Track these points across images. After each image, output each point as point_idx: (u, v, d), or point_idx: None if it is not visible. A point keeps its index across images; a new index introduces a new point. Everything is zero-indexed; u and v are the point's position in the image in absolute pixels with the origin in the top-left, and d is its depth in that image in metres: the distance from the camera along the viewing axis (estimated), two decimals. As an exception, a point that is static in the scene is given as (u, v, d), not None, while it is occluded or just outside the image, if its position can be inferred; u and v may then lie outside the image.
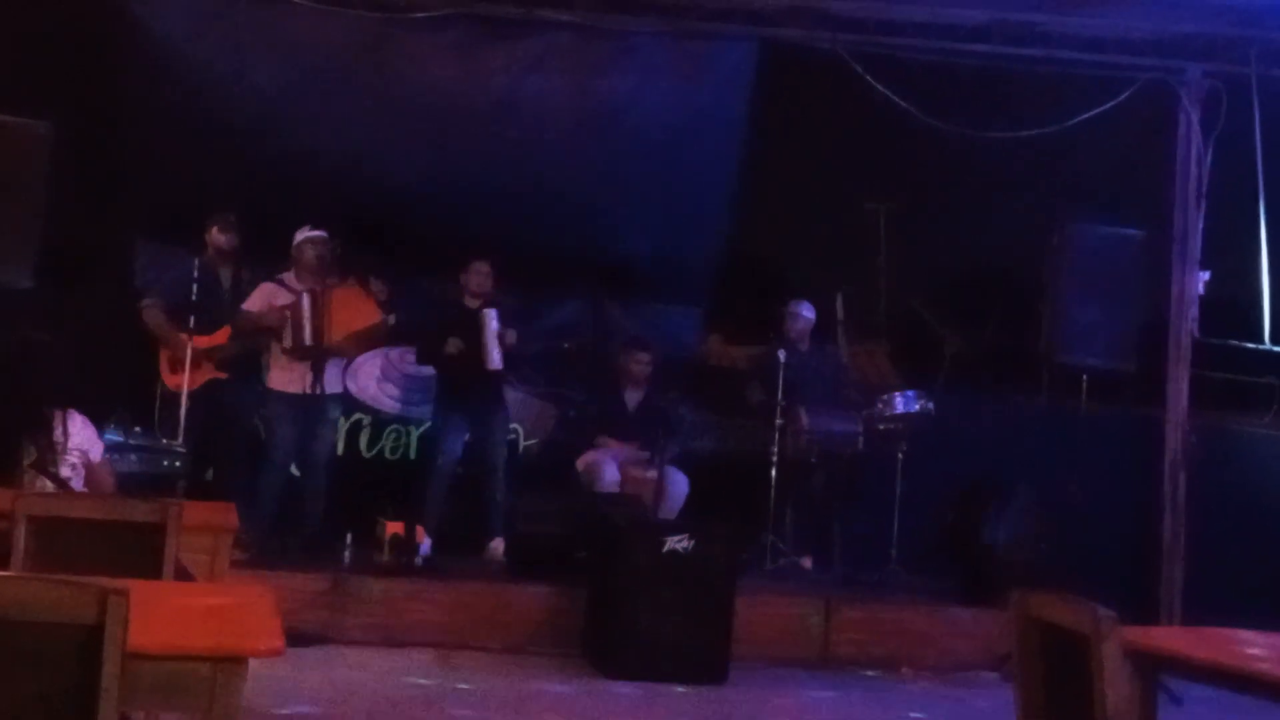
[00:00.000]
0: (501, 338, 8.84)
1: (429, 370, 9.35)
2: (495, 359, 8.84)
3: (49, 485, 5.48)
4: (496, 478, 8.95)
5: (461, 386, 8.90)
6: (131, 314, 8.68)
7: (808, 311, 9.52)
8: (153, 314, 8.59)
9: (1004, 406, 9.85)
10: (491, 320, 8.82)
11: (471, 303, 8.97)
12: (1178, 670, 4.45)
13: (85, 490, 5.64)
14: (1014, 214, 9.45)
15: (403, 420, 9.73)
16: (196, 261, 8.46)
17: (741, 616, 7.79)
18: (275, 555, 7.99)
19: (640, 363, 9.39)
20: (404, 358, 9.74)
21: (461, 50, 9.28)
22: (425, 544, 8.67)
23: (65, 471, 5.60)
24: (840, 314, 9.66)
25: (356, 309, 8.45)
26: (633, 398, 9.42)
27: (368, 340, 8.83)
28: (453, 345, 8.79)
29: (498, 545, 8.87)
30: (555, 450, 9.76)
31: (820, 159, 9.47)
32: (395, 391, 9.79)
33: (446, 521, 8.87)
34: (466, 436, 8.96)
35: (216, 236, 8.61)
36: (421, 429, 9.68)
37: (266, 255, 8.70)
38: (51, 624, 3.01)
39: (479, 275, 8.99)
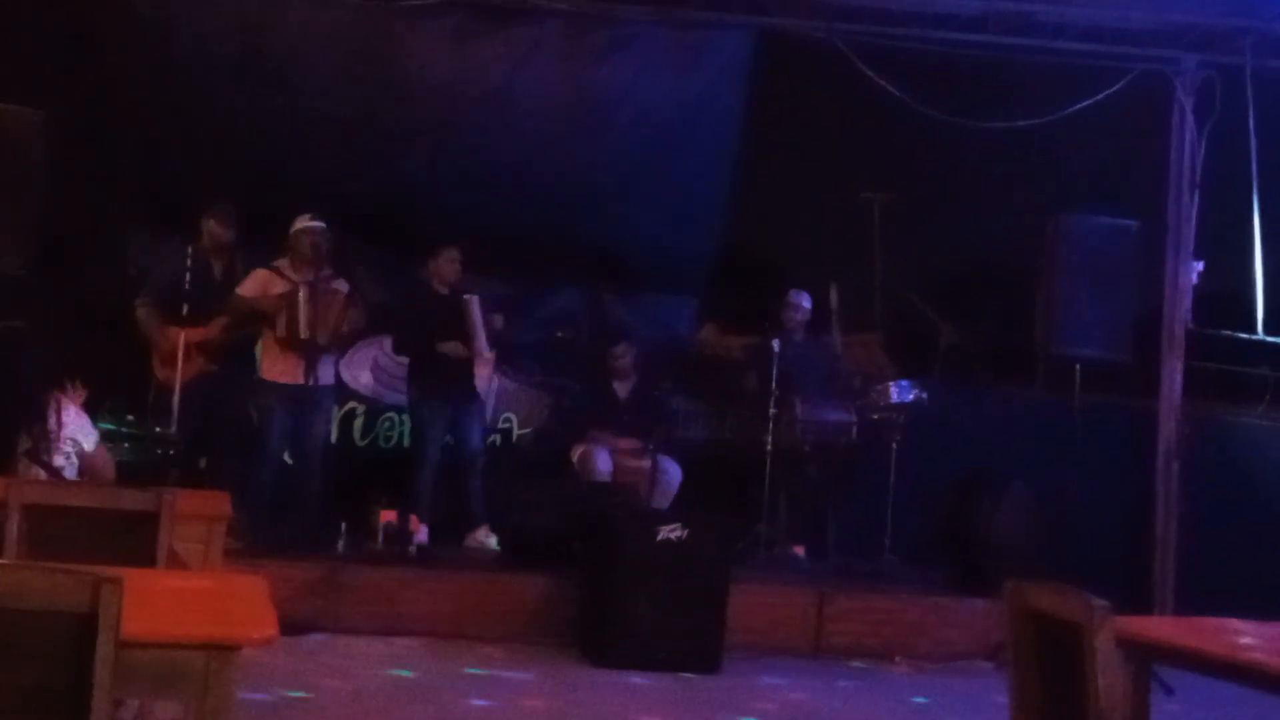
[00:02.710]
0: (490, 323, 8.79)
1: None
2: (484, 346, 8.79)
3: (42, 474, 5.47)
4: (476, 465, 8.90)
5: (440, 375, 8.82)
6: (126, 302, 8.66)
7: (805, 302, 9.51)
8: (145, 314, 8.56)
9: (998, 397, 9.87)
10: (475, 307, 8.76)
11: (441, 289, 8.89)
12: (1170, 660, 4.46)
13: (80, 479, 5.63)
14: (1008, 204, 9.45)
15: (397, 409, 9.70)
16: (189, 250, 8.42)
17: (735, 606, 7.79)
18: (269, 543, 7.98)
19: (616, 357, 9.39)
20: (398, 346, 9.70)
21: (456, 39, 9.27)
22: (422, 532, 8.67)
23: (59, 460, 5.58)
24: (834, 304, 9.66)
25: (340, 308, 8.41)
26: (623, 388, 9.42)
27: (351, 337, 8.77)
28: (452, 349, 8.73)
29: (483, 532, 8.86)
30: (549, 440, 9.77)
31: (815, 149, 9.46)
32: (389, 380, 9.76)
33: (440, 510, 8.86)
34: (449, 424, 8.93)
35: (214, 229, 8.57)
36: (414, 417, 9.65)
37: (259, 244, 8.68)
38: (45, 612, 3.01)
39: (450, 262, 8.85)
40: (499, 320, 8.84)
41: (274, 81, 9.09)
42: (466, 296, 8.76)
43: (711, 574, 7.71)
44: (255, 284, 8.43)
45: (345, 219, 8.70)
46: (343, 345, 8.80)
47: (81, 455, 5.67)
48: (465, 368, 8.88)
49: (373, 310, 8.79)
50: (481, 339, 8.75)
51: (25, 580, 3.04)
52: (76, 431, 5.67)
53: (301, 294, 8.27)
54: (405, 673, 7.16)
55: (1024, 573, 4.66)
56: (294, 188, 8.85)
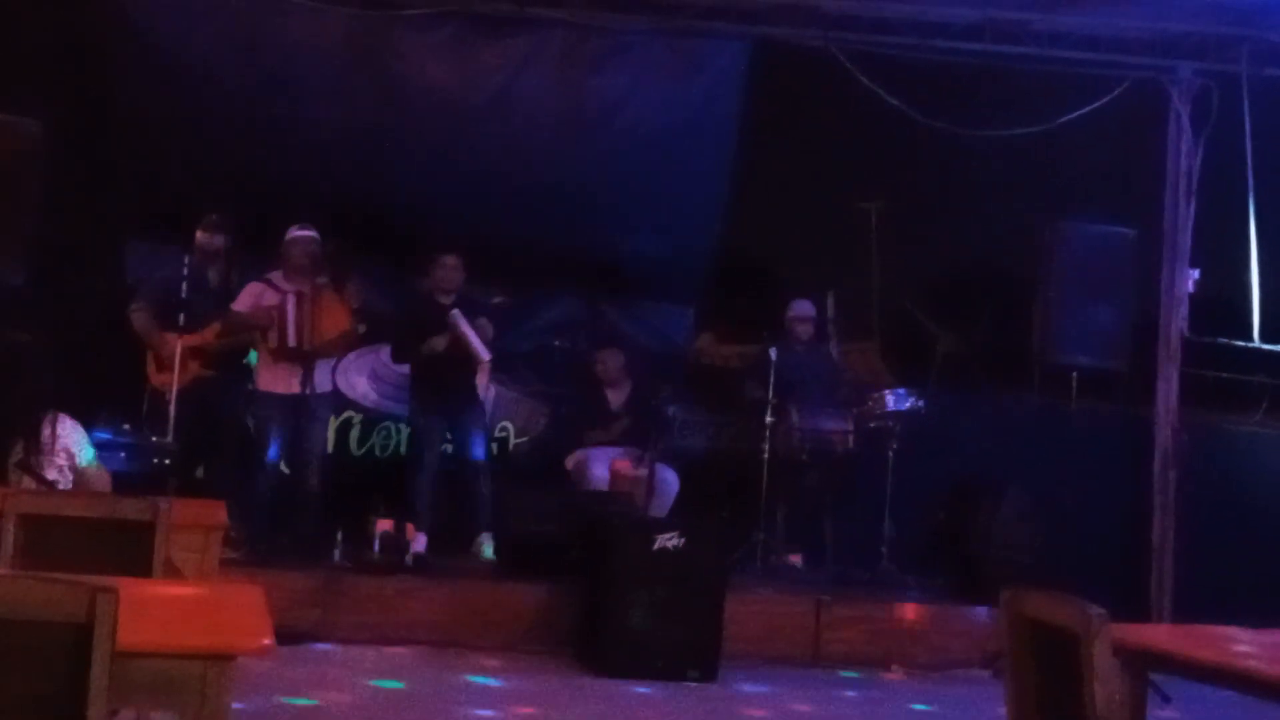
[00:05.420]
0: (480, 329, 8.76)
1: (419, 368, 9.30)
2: (482, 351, 8.77)
3: (33, 485, 5.45)
4: (479, 471, 8.90)
5: (439, 384, 8.80)
6: (122, 312, 8.65)
7: (807, 310, 9.50)
8: (140, 318, 8.55)
9: (995, 405, 9.87)
10: (459, 320, 8.74)
11: (443, 299, 8.85)
12: (1168, 668, 4.46)
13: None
14: (1005, 212, 9.47)
15: (393, 418, 9.70)
16: (186, 260, 8.42)
17: (732, 615, 7.79)
18: (265, 553, 7.97)
19: (602, 364, 9.40)
20: (394, 355, 9.70)
21: (454, 48, 9.29)
22: (419, 541, 8.66)
23: (52, 474, 5.56)
24: (831, 312, 9.67)
25: (331, 314, 8.40)
26: (615, 396, 9.42)
27: (342, 346, 8.76)
28: (437, 342, 8.70)
29: (485, 540, 8.85)
30: (546, 449, 9.76)
31: (812, 157, 9.48)
32: (386, 389, 9.77)
33: (438, 519, 8.85)
34: (448, 433, 8.92)
35: (201, 238, 8.56)
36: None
37: (258, 254, 8.68)
38: (41, 622, 3.00)
39: (451, 270, 8.82)
40: (487, 325, 8.79)
41: (272, 90, 9.10)
42: (451, 310, 8.73)
43: (709, 582, 7.70)
44: (248, 297, 8.44)
45: (343, 227, 8.70)
46: (336, 351, 8.75)
47: (75, 470, 5.65)
48: (466, 375, 8.87)
49: (371, 319, 8.78)
50: (477, 346, 8.73)
51: (21, 590, 3.03)
52: (71, 445, 5.66)
53: (290, 304, 8.28)
54: (401, 683, 7.16)
55: (1021, 580, 4.66)
56: (292, 196, 8.86)
